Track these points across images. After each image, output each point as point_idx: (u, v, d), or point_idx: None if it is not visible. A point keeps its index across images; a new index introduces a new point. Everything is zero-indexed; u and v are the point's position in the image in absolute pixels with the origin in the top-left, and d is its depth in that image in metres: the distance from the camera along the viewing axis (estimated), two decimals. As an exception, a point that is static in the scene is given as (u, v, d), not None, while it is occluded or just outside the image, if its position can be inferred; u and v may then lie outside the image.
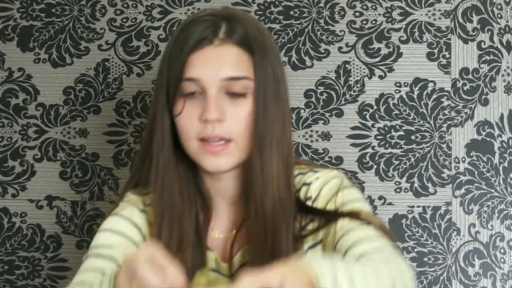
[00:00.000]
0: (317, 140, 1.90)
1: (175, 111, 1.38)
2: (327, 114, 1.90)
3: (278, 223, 1.39)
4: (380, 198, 1.90)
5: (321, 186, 1.43)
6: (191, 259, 1.39)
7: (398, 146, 1.90)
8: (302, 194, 1.43)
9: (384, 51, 1.91)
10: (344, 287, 1.14)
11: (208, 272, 1.17)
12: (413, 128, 1.90)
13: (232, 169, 1.41)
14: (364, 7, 1.91)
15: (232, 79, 1.37)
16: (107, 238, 1.42)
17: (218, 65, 1.37)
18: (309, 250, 1.43)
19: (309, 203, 1.42)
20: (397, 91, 1.91)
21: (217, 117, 1.36)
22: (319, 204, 1.42)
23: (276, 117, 1.40)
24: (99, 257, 1.38)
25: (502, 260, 1.89)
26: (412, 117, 1.90)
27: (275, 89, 1.40)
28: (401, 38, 1.91)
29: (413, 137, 1.89)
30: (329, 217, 1.40)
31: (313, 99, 1.90)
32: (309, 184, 1.44)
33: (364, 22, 1.91)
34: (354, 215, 1.37)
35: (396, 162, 1.90)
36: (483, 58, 1.90)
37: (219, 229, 1.46)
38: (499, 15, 1.90)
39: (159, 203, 1.42)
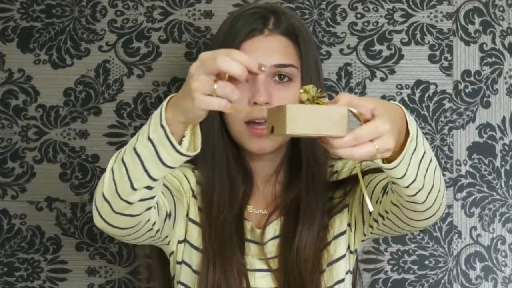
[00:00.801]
0: (318, 142, 1.90)
1: None
2: (328, 116, 1.90)
3: (312, 203, 1.53)
4: (381, 200, 1.89)
5: (346, 160, 1.57)
6: (234, 223, 1.52)
7: (399, 149, 1.89)
8: (328, 170, 1.58)
9: (386, 53, 1.90)
10: (420, 143, 1.22)
11: (311, 88, 1.20)
12: (414, 131, 1.89)
13: (275, 150, 1.54)
14: (366, 8, 1.90)
15: (280, 66, 1.52)
16: None
17: (268, 53, 1.52)
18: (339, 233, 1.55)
19: (334, 176, 1.57)
20: (398, 93, 1.90)
21: (266, 100, 1.48)
22: (344, 175, 1.57)
23: None
24: None
25: (503, 263, 1.88)
26: (413, 119, 1.89)
27: (317, 74, 1.57)
28: (403, 40, 1.90)
29: (414, 140, 1.89)
30: (354, 178, 1.53)
31: (314, 101, 1.89)
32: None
33: (366, 24, 1.90)
34: (377, 170, 1.47)
35: (398, 165, 1.89)
36: (485, 60, 1.89)
37: (253, 205, 1.58)
38: (501, 17, 1.89)
39: (211, 171, 1.55)
